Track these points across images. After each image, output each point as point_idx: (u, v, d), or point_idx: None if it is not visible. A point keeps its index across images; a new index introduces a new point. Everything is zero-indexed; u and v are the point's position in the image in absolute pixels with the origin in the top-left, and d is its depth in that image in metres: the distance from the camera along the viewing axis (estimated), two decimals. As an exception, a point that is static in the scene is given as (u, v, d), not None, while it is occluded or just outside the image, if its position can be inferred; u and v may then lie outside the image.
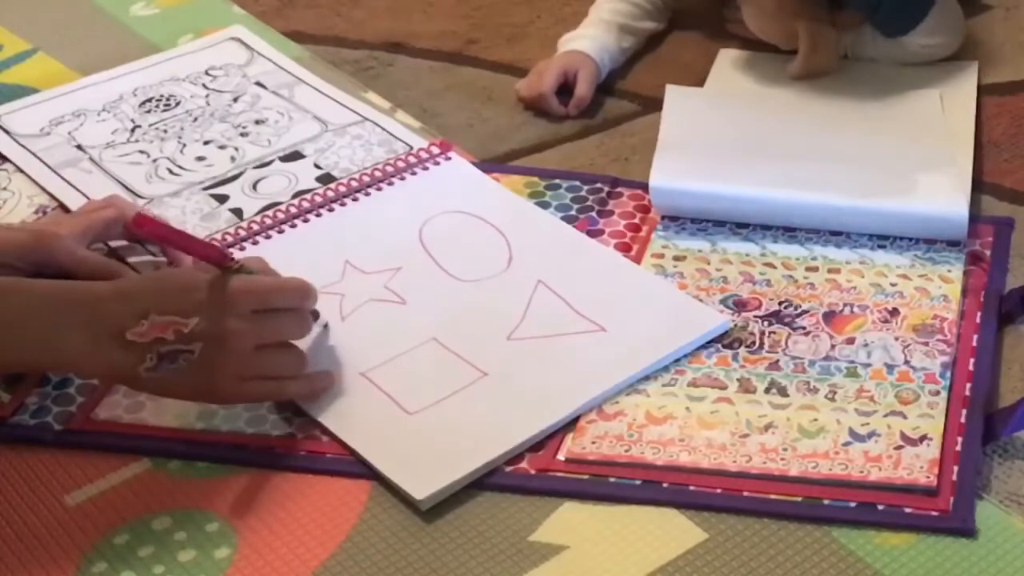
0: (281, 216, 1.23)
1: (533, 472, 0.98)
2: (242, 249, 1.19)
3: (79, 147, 1.35)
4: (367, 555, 0.92)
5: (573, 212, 1.24)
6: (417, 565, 0.91)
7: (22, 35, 1.56)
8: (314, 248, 1.20)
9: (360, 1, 1.64)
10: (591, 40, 1.43)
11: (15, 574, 0.92)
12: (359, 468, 0.98)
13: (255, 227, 1.22)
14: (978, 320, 1.09)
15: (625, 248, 1.19)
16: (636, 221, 1.22)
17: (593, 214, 1.23)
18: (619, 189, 1.26)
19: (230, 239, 1.21)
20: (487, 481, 0.97)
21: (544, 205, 1.24)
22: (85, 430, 1.03)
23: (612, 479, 0.97)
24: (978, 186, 1.25)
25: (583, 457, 0.98)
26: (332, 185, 1.27)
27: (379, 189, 1.27)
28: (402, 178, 1.28)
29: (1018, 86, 1.41)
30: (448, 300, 1.13)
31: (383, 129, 1.36)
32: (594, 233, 1.20)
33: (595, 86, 1.41)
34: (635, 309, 1.11)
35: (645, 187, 1.22)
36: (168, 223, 0.98)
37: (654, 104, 1.37)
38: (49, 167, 1.32)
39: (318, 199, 1.25)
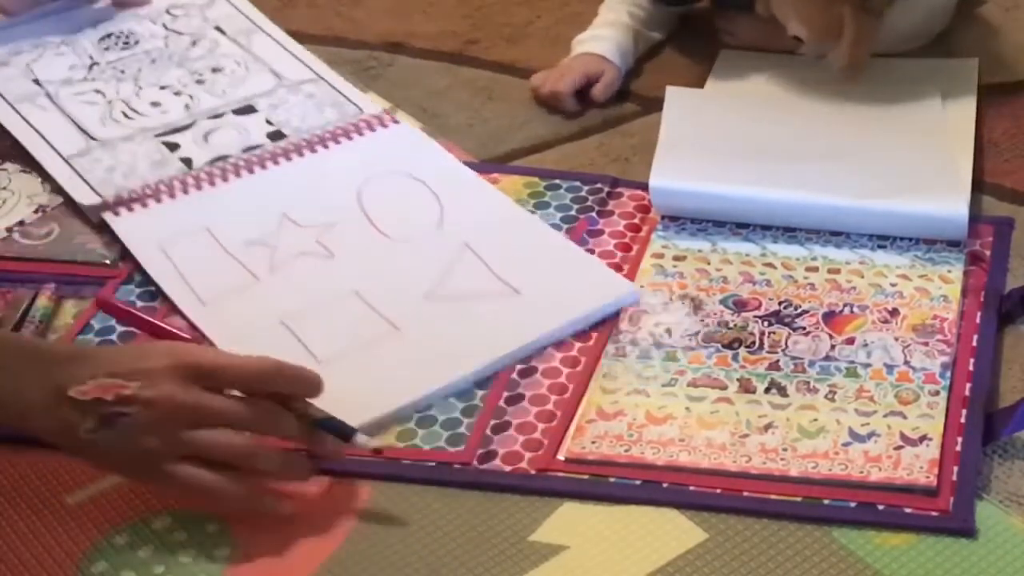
0: (229, 168, 1.28)
1: (533, 472, 0.98)
2: (186, 193, 1.24)
3: (36, 81, 1.39)
4: (367, 555, 0.92)
5: (573, 212, 1.24)
6: (417, 565, 0.91)
7: None
8: (256, 200, 1.25)
9: (360, 1, 1.64)
10: (612, 43, 1.42)
11: (15, 574, 0.92)
12: (359, 468, 0.98)
13: (203, 176, 1.26)
14: (978, 320, 1.09)
15: (625, 248, 1.19)
16: (636, 221, 1.22)
17: (593, 214, 1.23)
18: (619, 189, 1.26)
19: (178, 185, 1.25)
20: (487, 481, 0.97)
21: (544, 205, 1.24)
22: (85, 430, 1.03)
23: (612, 479, 0.97)
24: (978, 186, 1.24)
25: (583, 457, 0.98)
26: (281, 143, 1.31)
27: (326, 147, 1.31)
28: (349, 138, 1.32)
29: (1018, 86, 1.41)
30: (375, 257, 1.17)
31: (336, 89, 1.39)
32: (594, 233, 1.20)
33: (613, 91, 1.42)
34: (549, 275, 1.14)
35: (645, 187, 1.22)
36: (133, 308, 0.96)
37: (654, 104, 1.37)
38: (7, 101, 1.36)
39: (267, 155, 1.29)
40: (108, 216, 1.22)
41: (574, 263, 1.16)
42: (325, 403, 0.97)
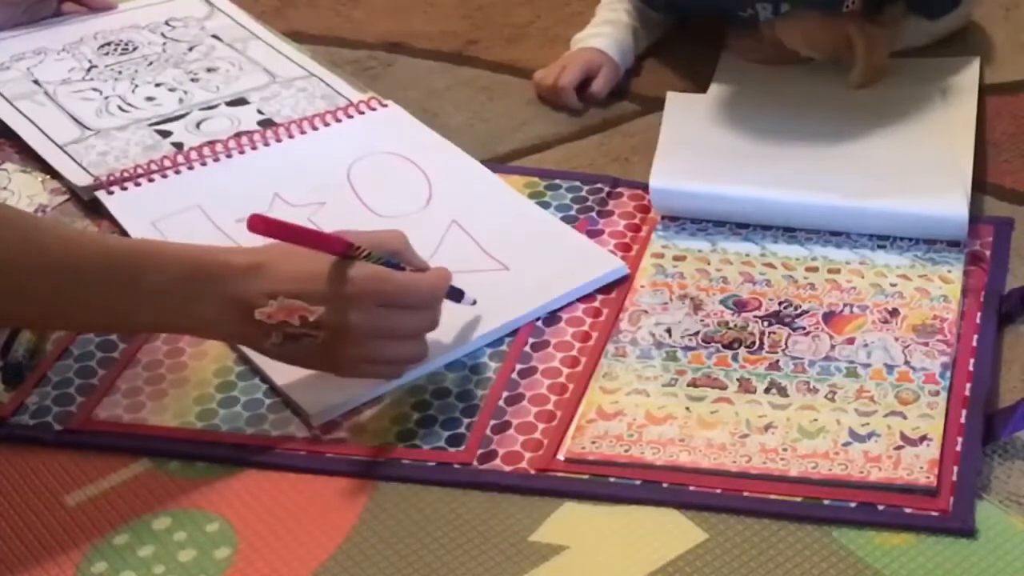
0: (220, 149, 1.31)
1: (533, 472, 0.98)
2: (177, 173, 1.27)
3: (36, 82, 1.43)
4: (367, 555, 0.92)
5: (573, 212, 1.24)
6: (417, 565, 0.91)
7: None
8: (247, 179, 1.27)
9: (360, 1, 1.64)
10: (612, 40, 1.43)
11: (15, 574, 0.92)
12: (359, 468, 0.99)
13: (194, 156, 1.29)
14: (978, 320, 1.09)
15: (625, 248, 1.19)
16: (636, 221, 1.22)
17: (593, 214, 1.23)
18: (619, 189, 1.26)
19: (168, 164, 1.28)
20: (487, 481, 0.97)
21: (544, 205, 1.24)
22: (85, 430, 1.03)
23: (612, 479, 0.97)
24: (978, 186, 1.24)
25: (583, 457, 0.98)
26: (272, 128, 1.34)
27: (315, 129, 1.34)
28: (338, 120, 1.35)
29: (1018, 86, 1.41)
30: None
31: (327, 85, 1.42)
32: (594, 233, 1.20)
33: (611, 86, 1.42)
34: (538, 250, 1.17)
35: (645, 187, 1.22)
36: (285, 221, 0.99)
37: (654, 104, 1.37)
38: (6, 98, 1.40)
39: (257, 138, 1.32)
40: (101, 194, 1.25)
41: (561, 239, 1.19)
42: (320, 376, 1.01)
